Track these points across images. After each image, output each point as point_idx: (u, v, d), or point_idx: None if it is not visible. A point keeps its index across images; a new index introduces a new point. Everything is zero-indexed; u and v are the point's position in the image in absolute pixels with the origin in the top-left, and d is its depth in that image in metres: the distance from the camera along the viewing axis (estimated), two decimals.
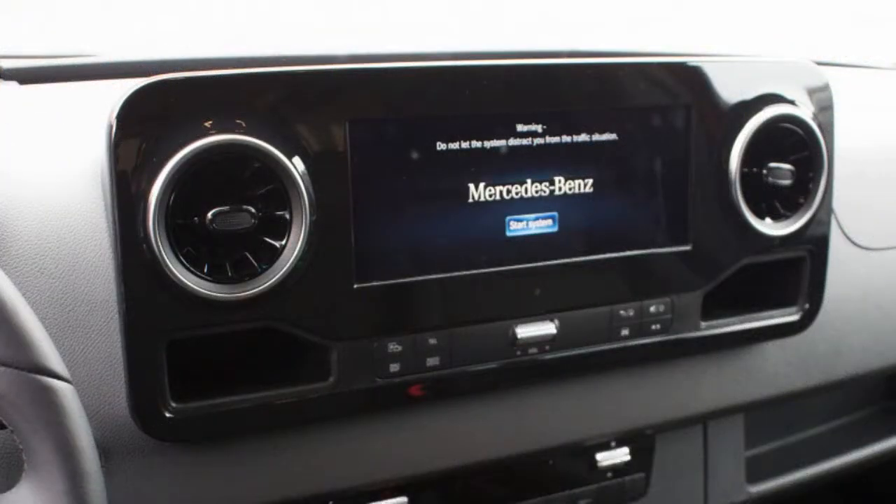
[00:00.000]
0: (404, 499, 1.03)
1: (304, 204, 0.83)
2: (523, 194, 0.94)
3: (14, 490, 0.66)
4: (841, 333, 1.26)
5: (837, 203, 1.18)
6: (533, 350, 0.98)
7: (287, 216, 0.83)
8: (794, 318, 1.14)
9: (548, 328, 0.97)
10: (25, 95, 0.97)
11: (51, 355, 0.67)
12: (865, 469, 1.45)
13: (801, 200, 1.07)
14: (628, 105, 0.98)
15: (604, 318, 1.00)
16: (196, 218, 0.80)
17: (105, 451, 0.86)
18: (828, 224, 1.12)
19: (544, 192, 0.95)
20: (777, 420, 1.42)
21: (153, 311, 0.81)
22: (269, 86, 0.84)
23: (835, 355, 1.27)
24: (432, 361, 0.93)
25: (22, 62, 1.03)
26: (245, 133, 0.81)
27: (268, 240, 0.83)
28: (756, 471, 1.35)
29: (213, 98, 0.82)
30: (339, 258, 0.87)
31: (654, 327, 1.03)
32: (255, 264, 0.82)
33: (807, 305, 1.14)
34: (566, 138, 0.95)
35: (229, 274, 0.82)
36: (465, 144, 0.91)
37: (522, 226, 0.95)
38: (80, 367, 0.84)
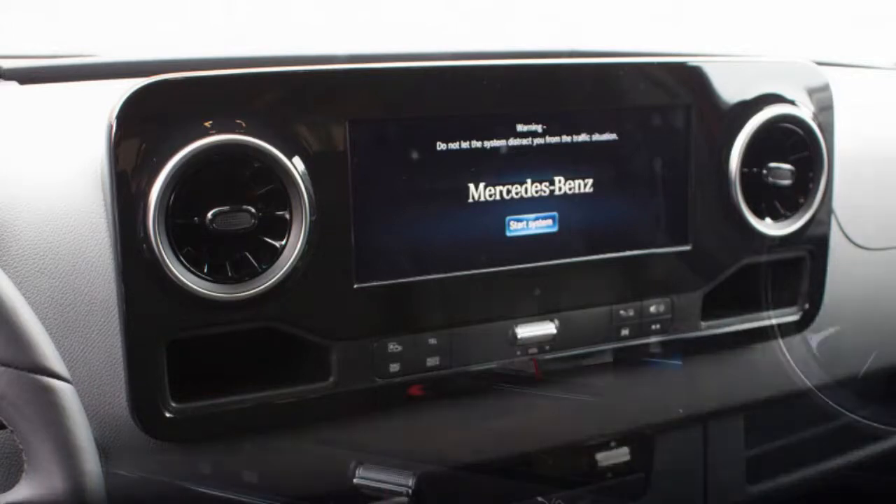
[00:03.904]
0: (404, 499, 1.03)
1: (304, 204, 0.83)
2: (523, 194, 0.94)
3: (14, 490, 0.66)
4: (841, 333, 1.26)
5: (837, 203, 1.17)
6: (533, 350, 0.98)
7: (287, 216, 0.83)
8: (794, 318, 1.14)
9: (548, 328, 0.97)
10: (25, 95, 0.97)
11: (51, 355, 0.67)
12: (865, 469, 1.45)
13: (801, 200, 1.07)
14: (628, 105, 0.98)
15: (604, 318, 1.00)
16: (196, 218, 0.80)
17: (105, 451, 0.86)
18: (828, 224, 1.12)
19: (544, 192, 0.95)
20: (777, 420, 1.42)
21: (153, 311, 0.81)
22: (269, 86, 0.84)
23: (835, 355, 1.27)
24: (432, 361, 0.93)
25: (22, 62, 1.03)
26: (245, 133, 0.81)
27: (268, 240, 0.83)
28: (756, 471, 1.35)
29: (213, 98, 0.82)
30: (339, 258, 0.87)
31: (654, 327, 1.03)
32: (255, 264, 0.82)
33: (807, 305, 1.14)
34: (566, 138, 0.95)
35: (229, 274, 0.82)
36: (465, 144, 0.91)
37: (522, 226, 0.95)
38: (80, 367, 0.84)
